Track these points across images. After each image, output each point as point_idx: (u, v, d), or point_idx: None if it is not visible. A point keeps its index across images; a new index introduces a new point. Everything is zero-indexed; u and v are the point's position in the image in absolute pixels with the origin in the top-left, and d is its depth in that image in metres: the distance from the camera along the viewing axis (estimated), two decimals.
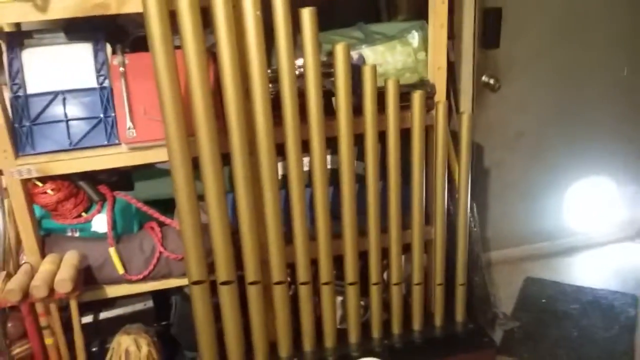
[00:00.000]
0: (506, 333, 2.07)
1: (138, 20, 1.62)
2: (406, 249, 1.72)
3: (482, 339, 1.77)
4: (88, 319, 1.61)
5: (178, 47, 1.33)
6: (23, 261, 1.55)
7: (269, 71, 1.41)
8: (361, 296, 1.67)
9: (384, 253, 1.67)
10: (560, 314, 2.16)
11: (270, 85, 1.43)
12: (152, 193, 1.66)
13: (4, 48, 1.48)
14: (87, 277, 1.54)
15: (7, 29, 1.57)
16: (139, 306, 1.68)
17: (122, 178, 1.69)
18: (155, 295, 1.70)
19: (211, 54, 1.45)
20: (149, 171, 1.64)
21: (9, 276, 1.46)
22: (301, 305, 1.62)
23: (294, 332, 1.64)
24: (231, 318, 1.55)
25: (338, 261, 1.64)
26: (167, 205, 1.68)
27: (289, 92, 1.43)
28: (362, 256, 1.65)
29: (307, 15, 1.39)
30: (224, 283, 1.51)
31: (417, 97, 1.56)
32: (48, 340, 1.47)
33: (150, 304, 1.69)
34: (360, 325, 1.71)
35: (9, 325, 1.46)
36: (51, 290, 1.40)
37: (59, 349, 1.49)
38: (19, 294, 1.38)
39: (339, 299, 1.76)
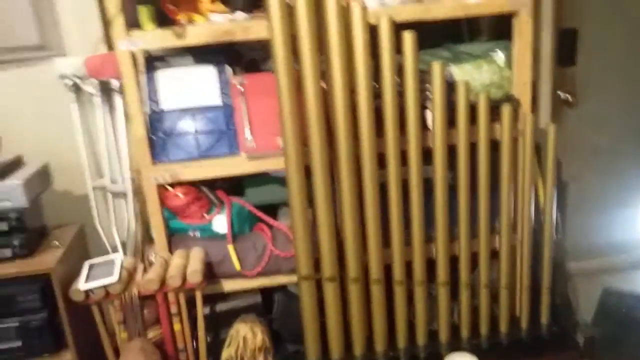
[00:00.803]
0: (587, 340, 2.13)
1: (250, 45, 1.85)
2: (491, 255, 1.83)
3: (566, 341, 1.85)
4: (205, 310, 1.80)
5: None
6: (152, 257, 1.76)
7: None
8: (451, 299, 1.80)
9: (473, 258, 1.79)
10: None
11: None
12: (261, 198, 1.86)
13: (143, 69, 1.71)
14: (207, 272, 1.73)
15: (143, 53, 1.80)
16: (249, 301, 1.85)
17: (234, 185, 1.90)
18: (262, 290, 1.88)
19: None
20: (259, 179, 1.84)
21: (145, 269, 1.67)
22: (396, 303, 1.76)
23: (388, 329, 1.78)
24: (334, 312, 1.71)
25: (430, 264, 1.77)
26: (267, 211, 1.86)
27: (390, 107, 1.59)
28: (451, 261, 1.78)
29: (409, 38, 1.56)
30: (328, 279, 1.68)
31: (506, 111, 1.70)
32: (177, 327, 1.66)
33: (259, 299, 1.87)
34: (449, 325, 1.83)
35: (145, 311, 1.66)
36: (184, 281, 1.60)
37: (185, 335, 1.68)
38: (157, 284, 1.59)
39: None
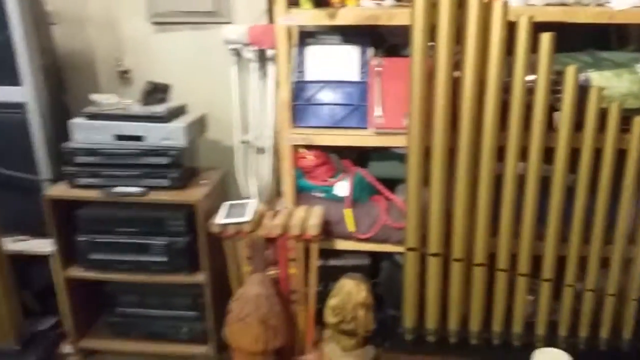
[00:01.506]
0: None
1: (394, 31, 1.98)
2: (602, 262, 1.83)
3: None
4: (319, 262, 2.00)
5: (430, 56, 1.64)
6: (280, 207, 2.00)
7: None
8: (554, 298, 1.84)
9: (582, 261, 1.81)
10: None
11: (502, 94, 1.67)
12: (382, 172, 2.01)
13: (296, 43, 1.93)
14: (325, 229, 1.93)
15: (297, 28, 2.02)
16: (357, 262, 2.03)
17: (359, 156, 2.07)
18: (371, 256, 2.05)
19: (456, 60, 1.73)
20: (383, 154, 1.99)
21: (273, 216, 1.92)
22: (496, 289, 1.84)
23: (485, 311, 1.86)
24: (434, 286, 1.83)
25: (536, 261, 1.82)
26: (387, 185, 2.01)
27: (518, 103, 1.66)
28: (559, 260, 1.81)
29: (546, 39, 1.61)
30: (433, 254, 1.80)
31: (637, 122, 1.68)
32: (292, 270, 1.89)
33: (367, 261, 2.04)
34: (548, 320, 1.87)
35: (268, 251, 1.91)
36: (302, 232, 1.81)
37: (298, 279, 1.91)
38: (281, 229, 1.82)
39: (530, 297, 1.93)
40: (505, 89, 1.68)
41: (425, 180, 1.76)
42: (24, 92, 1.83)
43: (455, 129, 1.70)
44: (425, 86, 1.66)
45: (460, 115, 1.68)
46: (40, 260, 2.01)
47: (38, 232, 2.01)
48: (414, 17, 1.61)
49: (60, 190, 1.87)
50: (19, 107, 1.85)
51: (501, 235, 1.78)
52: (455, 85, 1.68)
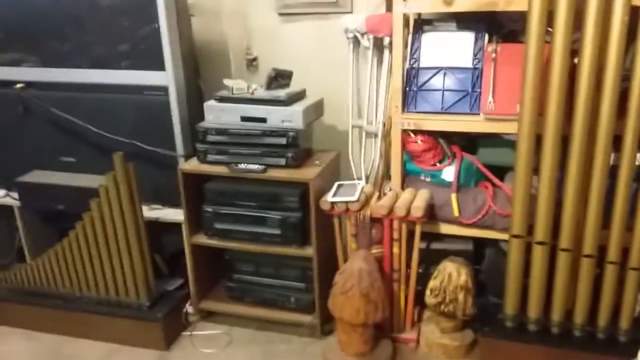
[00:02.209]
0: None
1: (512, 17, 1.98)
2: None
3: None
4: (421, 245, 2.07)
5: (547, 42, 1.63)
6: (387, 189, 2.08)
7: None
8: None
9: None
10: None
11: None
12: (492, 159, 2.03)
13: (412, 30, 2.00)
14: (430, 213, 1.99)
15: (414, 16, 2.08)
16: (461, 246, 2.07)
17: (468, 143, 2.10)
18: (475, 242, 2.08)
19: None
20: (493, 140, 2.01)
21: (379, 197, 2.01)
22: (605, 282, 1.79)
23: (591, 304, 1.82)
24: (539, 275, 1.83)
25: None
26: (496, 172, 2.02)
27: (637, 91, 1.61)
28: None
29: None
30: (539, 243, 1.80)
31: None
32: (395, 250, 1.97)
33: (470, 247, 2.07)
34: None
35: (374, 231, 2.01)
36: (407, 213, 1.89)
37: (401, 259, 1.99)
38: (386, 210, 1.91)
39: None
40: (625, 77, 1.63)
41: (535, 168, 1.76)
42: (167, 77, 2.07)
43: (569, 117, 1.68)
44: (540, 73, 1.66)
45: (575, 103, 1.66)
46: (170, 227, 2.26)
47: (170, 203, 2.26)
48: (531, 2, 1.62)
49: (192, 166, 2.09)
50: (162, 90, 2.09)
51: (613, 227, 1.73)
52: (571, 73, 1.67)
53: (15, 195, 2.36)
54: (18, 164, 2.36)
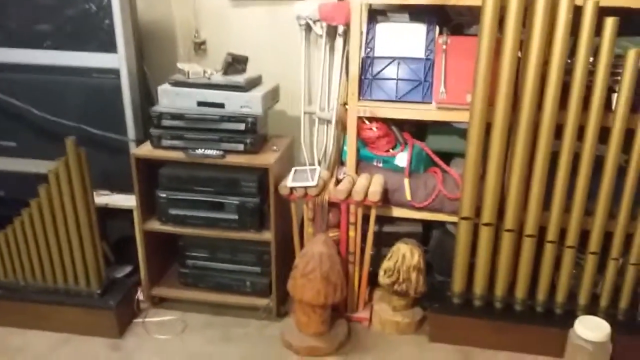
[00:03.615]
0: None
1: (460, 10, 2.09)
2: None
3: None
4: (375, 228, 2.15)
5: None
6: (341, 174, 2.14)
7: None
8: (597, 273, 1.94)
9: (628, 238, 1.91)
10: None
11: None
12: (440, 146, 2.13)
13: (364, 21, 2.05)
14: (383, 197, 2.07)
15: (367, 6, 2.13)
16: (411, 229, 2.17)
17: (417, 130, 2.19)
18: (423, 224, 2.19)
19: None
20: (443, 128, 2.11)
21: (336, 182, 2.06)
22: (543, 260, 1.95)
23: (531, 280, 1.98)
24: (484, 254, 1.96)
25: (583, 235, 1.92)
26: (443, 158, 2.13)
27: (578, 84, 1.75)
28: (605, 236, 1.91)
29: (610, 23, 1.69)
30: (486, 224, 1.92)
31: None
32: (351, 234, 2.04)
33: (419, 229, 2.18)
34: (590, 291, 1.98)
35: (330, 215, 2.06)
36: (364, 198, 1.96)
37: (356, 242, 2.06)
38: (344, 194, 1.97)
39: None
40: (567, 70, 1.77)
41: (483, 155, 1.87)
42: (118, 59, 2.01)
43: (516, 106, 1.81)
44: (489, 64, 1.77)
45: (522, 94, 1.78)
46: (117, 213, 2.21)
47: (119, 188, 2.21)
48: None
49: (146, 150, 2.05)
50: (113, 72, 2.03)
51: (553, 209, 1.89)
52: (518, 65, 1.79)
53: None
54: None
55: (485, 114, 1.82)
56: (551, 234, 1.92)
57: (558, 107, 1.78)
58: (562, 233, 1.93)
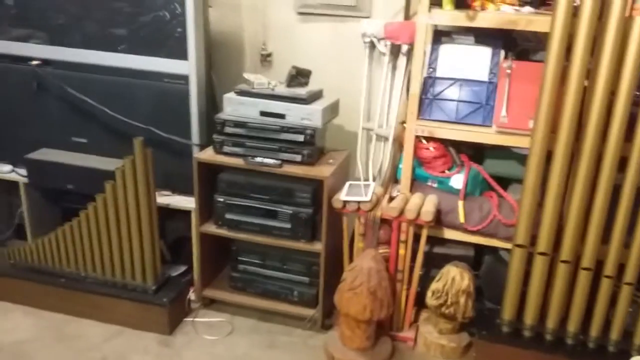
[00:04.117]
0: None
1: (526, 35, 2.07)
2: None
3: None
4: (425, 247, 2.14)
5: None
6: (394, 192, 2.15)
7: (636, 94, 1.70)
8: None
9: None
10: None
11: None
12: (498, 170, 2.11)
13: (429, 41, 2.07)
14: (436, 218, 2.06)
15: (432, 27, 2.15)
16: (462, 252, 2.15)
17: (475, 153, 2.18)
18: (475, 248, 2.16)
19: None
20: (501, 152, 2.09)
21: (389, 199, 2.07)
22: (600, 294, 1.89)
23: (585, 314, 1.92)
24: (538, 283, 1.92)
25: None
26: (500, 182, 2.10)
27: None
28: None
29: None
30: (541, 254, 1.89)
31: None
32: (401, 251, 2.04)
33: (471, 253, 2.15)
34: None
35: (381, 231, 2.07)
36: (417, 216, 1.96)
37: (406, 260, 2.06)
38: (397, 212, 1.98)
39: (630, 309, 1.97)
40: (635, 102, 1.73)
41: (542, 182, 1.84)
42: (189, 66, 2.10)
43: (579, 136, 1.77)
44: (554, 91, 1.74)
45: (586, 123, 1.75)
46: (174, 214, 2.29)
47: (180, 190, 2.29)
48: (554, 25, 1.70)
49: (208, 155, 2.13)
50: (183, 78, 2.12)
51: (612, 243, 1.83)
52: (585, 94, 1.75)
53: (22, 171, 2.36)
54: (27, 141, 2.36)
55: (547, 141, 1.79)
56: (609, 268, 1.86)
57: (623, 139, 1.73)
58: (621, 268, 1.86)
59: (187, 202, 2.24)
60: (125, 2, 2.15)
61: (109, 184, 2.02)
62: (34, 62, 2.27)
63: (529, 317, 1.97)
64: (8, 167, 2.45)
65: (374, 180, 2.30)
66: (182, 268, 2.42)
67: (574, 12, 1.69)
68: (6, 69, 2.32)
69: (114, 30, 2.19)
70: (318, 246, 2.11)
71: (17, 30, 2.30)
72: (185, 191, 2.25)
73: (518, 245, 1.91)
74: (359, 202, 2.02)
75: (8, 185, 2.47)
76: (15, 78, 2.32)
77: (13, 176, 2.41)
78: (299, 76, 2.13)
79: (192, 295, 2.32)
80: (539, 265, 1.90)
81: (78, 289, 2.18)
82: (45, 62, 2.28)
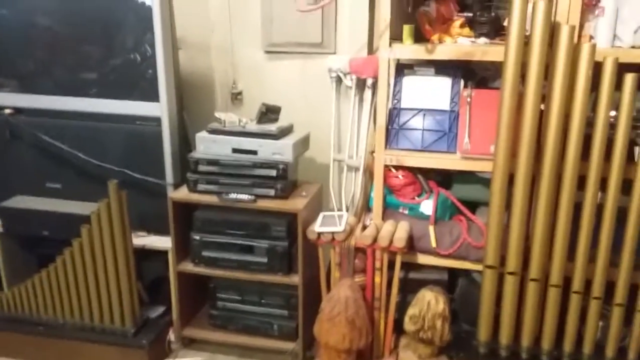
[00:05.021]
0: None
1: (484, 65, 2.17)
2: None
3: None
4: (400, 274, 2.18)
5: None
6: (367, 221, 2.20)
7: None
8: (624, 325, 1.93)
9: None
10: None
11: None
12: (465, 194, 2.18)
13: (392, 74, 2.15)
14: (408, 244, 2.11)
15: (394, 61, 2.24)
16: (436, 276, 2.20)
17: (443, 178, 2.25)
18: (449, 272, 2.21)
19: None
20: (467, 177, 2.16)
21: (362, 228, 2.12)
22: (570, 310, 1.95)
23: (557, 331, 1.98)
24: (510, 303, 1.97)
25: (609, 286, 1.92)
26: (468, 206, 2.17)
27: (600, 136, 1.80)
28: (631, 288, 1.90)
29: (629, 80, 1.75)
30: (510, 273, 1.94)
31: None
32: (377, 279, 2.08)
33: (445, 276, 2.20)
34: (618, 345, 1.96)
35: (356, 260, 2.11)
36: (390, 244, 2.01)
37: (382, 287, 2.10)
38: (370, 240, 2.02)
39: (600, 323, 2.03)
40: (588, 123, 1.82)
41: (507, 204, 1.92)
42: (160, 108, 2.15)
43: (538, 157, 1.85)
44: (512, 117, 1.83)
45: (544, 145, 1.83)
46: (152, 254, 2.31)
47: (155, 230, 2.31)
48: (507, 54, 1.80)
49: (183, 194, 2.16)
50: (154, 120, 2.17)
51: (577, 259, 1.90)
52: (541, 117, 1.84)
53: None
54: (1, 188, 2.36)
55: (509, 164, 1.87)
56: (576, 284, 1.92)
57: (580, 159, 1.82)
58: (588, 284, 1.93)
59: (163, 242, 2.25)
60: (95, 46, 2.19)
61: (85, 228, 2.03)
62: (7, 111, 2.30)
63: (504, 337, 2.02)
64: None
65: (346, 210, 2.35)
66: (161, 309, 2.42)
67: (526, 41, 1.79)
68: None
69: (85, 75, 2.24)
70: (295, 278, 2.14)
71: None
72: (161, 231, 2.27)
73: (488, 267, 1.97)
74: (333, 232, 2.06)
75: None
76: None
77: None
78: (269, 113, 2.19)
79: (171, 335, 2.31)
80: (510, 284, 1.96)
81: (57, 336, 2.17)
82: (17, 110, 2.30)
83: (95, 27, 2.17)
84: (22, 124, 2.29)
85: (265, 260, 2.13)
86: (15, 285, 2.23)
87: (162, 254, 2.26)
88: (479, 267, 2.04)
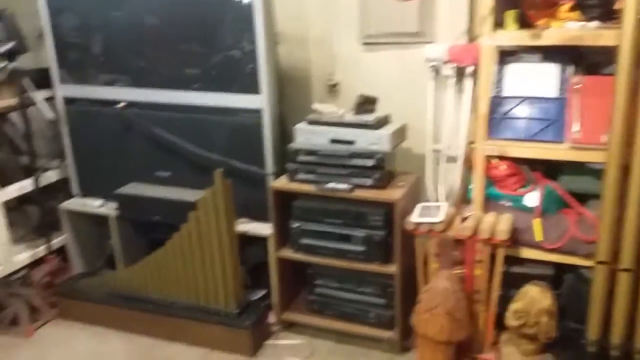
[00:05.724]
0: None
1: (595, 49, 2.04)
2: None
3: None
4: (502, 267, 2.12)
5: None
6: (465, 213, 2.15)
7: None
8: None
9: None
10: None
11: None
12: (573, 186, 2.07)
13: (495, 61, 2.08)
14: (511, 237, 2.04)
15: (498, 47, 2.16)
16: (541, 271, 2.11)
17: (548, 170, 2.15)
18: (554, 267, 2.12)
19: None
20: (576, 168, 2.05)
21: (462, 220, 2.08)
22: None
23: None
24: (623, 301, 1.86)
25: None
26: (577, 199, 2.06)
27: None
28: None
29: None
30: (624, 270, 1.83)
31: None
32: (477, 271, 2.04)
33: (550, 271, 2.11)
34: None
35: (455, 252, 2.08)
36: (491, 236, 1.95)
37: (482, 281, 2.05)
38: (470, 232, 1.98)
39: None
40: None
41: (621, 196, 1.80)
42: (262, 100, 2.22)
43: None
44: (628, 104, 1.72)
45: None
46: (252, 240, 2.39)
47: (257, 217, 2.40)
48: (622, 38, 1.68)
49: (283, 183, 2.23)
50: (257, 112, 2.25)
51: None
52: None
53: (112, 205, 2.54)
54: (116, 176, 2.55)
55: (623, 154, 1.75)
56: None
57: None
58: None
59: (264, 229, 2.33)
60: (200, 43, 2.30)
61: (193, 214, 2.15)
62: (120, 105, 2.47)
63: (616, 337, 1.91)
64: (98, 202, 2.65)
65: (443, 201, 2.32)
66: (262, 292, 2.51)
67: None
68: (97, 112, 2.54)
69: (190, 70, 2.35)
70: (392, 268, 2.14)
71: (104, 76, 2.51)
72: (262, 218, 2.35)
73: (600, 262, 1.86)
74: (431, 223, 2.04)
75: (99, 219, 2.67)
76: (104, 120, 2.53)
77: (103, 210, 2.60)
78: (366, 103, 2.20)
79: (272, 318, 2.40)
80: (623, 282, 1.84)
81: (166, 314, 2.31)
82: (130, 104, 2.47)
83: (199, 26, 2.28)
84: (134, 116, 2.45)
85: (362, 249, 2.15)
86: (129, 265, 2.40)
87: (263, 240, 2.34)
88: (589, 262, 1.94)
